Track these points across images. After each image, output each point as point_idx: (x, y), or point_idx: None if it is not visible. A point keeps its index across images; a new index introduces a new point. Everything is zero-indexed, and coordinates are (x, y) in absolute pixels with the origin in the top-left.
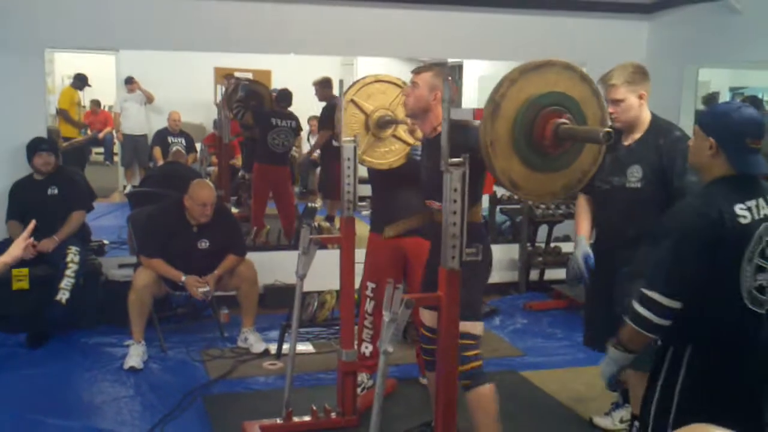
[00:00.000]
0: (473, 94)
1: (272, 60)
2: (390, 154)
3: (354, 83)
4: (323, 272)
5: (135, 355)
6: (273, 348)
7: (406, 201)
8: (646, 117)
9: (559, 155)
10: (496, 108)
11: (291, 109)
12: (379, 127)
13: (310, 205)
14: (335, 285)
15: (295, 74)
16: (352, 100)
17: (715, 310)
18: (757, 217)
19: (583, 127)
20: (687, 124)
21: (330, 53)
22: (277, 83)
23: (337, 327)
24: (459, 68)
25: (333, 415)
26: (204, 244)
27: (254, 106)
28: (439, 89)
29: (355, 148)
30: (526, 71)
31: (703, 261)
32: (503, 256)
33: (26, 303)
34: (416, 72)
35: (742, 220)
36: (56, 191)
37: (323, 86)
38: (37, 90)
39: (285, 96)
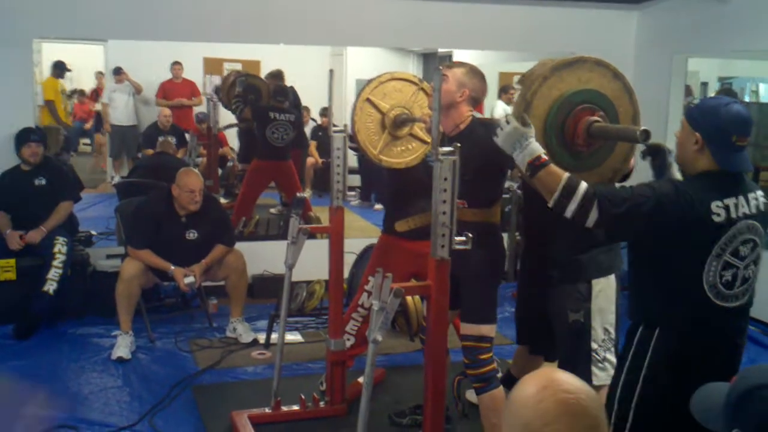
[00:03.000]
0: None
1: (262, 50)
2: (407, 152)
3: (370, 81)
4: (312, 262)
5: (123, 346)
6: (262, 338)
7: (420, 202)
8: None
9: (591, 153)
10: (527, 106)
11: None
12: (395, 125)
13: (298, 195)
14: (324, 275)
15: (284, 64)
16: (368, 99)
17: (678, 299)
18: (734, 215)
19: (617, 126)
20: (676, 115)
21: (319, 43)
22: (266, 74)
23: (326, 317)
24: (449, 58)
25: (322, 404)
26: (192, 234)
27: (252, 100)
28: (467, 88)
29: (344, 138)
30: (558, 68)
31: (658, 231)
32: None
33: (13, 294)
34: (448, 66)
35: (716, 218)
36: (43, 182)
37: (275, 78)
38: (24, 80)
39: (281, 91)
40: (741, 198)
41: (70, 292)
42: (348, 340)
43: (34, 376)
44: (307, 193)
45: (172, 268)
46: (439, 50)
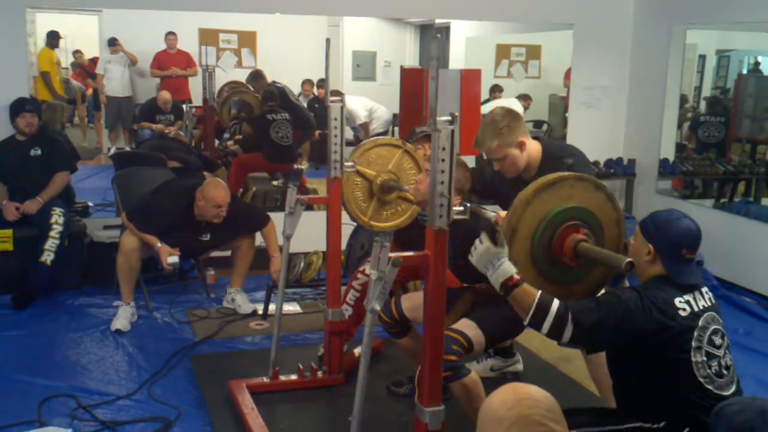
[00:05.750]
0: (461, 55)
1: (258, 20)
2: (396, 215)
3: (354, 150)
4: (309, 233)
5: (123, 318)
6: (260, 308)
7: None
8: (535, 155)
9: (579, 266)
10: (513, 233)
11: (279, 73)
12: (383, 191)
13: (296, 167)
14: (321, 246)
15: (280, 35)
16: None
17: (683, 399)
18: (696, 308)
19: (604, 252)
20: (674, 88)
21: (316, 13)
22: (262, 44)
23: (324, 287)
24: (446, 29)
25: (320, 373)
26: (206, 236)
27: (245, 117)
28: None
29: (342, 108)
30: (539, 191)
31: (631, 337)
32: None
33: (10, 264)
34: (429, 160)
35: (682, 313)
36: (39, 152)
37: (256, 80)
38: (18, 50)
39: (270, 96)
40: (697, 293)
41: (67, 262)
42: (346, 310)
43: (33, 345)
44: (304, 166)
45: (159, 245)
46: (437, 21)
